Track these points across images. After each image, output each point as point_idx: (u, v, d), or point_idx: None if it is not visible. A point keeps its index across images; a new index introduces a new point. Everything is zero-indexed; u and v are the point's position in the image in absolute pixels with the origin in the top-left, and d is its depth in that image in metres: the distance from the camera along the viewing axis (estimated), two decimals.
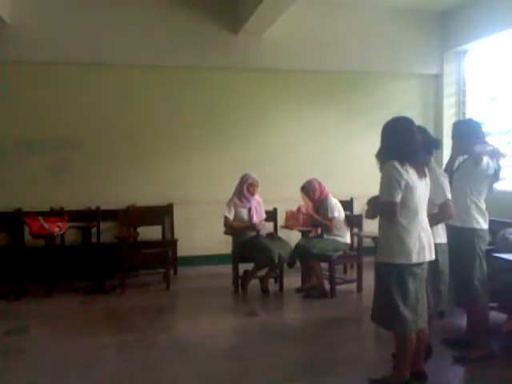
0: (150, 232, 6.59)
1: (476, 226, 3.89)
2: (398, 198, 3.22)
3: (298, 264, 5.99)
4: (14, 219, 6.16)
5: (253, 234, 5.88)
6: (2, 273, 5.89)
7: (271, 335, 4.59)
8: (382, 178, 3.31)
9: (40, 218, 5.96)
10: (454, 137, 4.12)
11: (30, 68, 6.69)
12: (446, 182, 3.64)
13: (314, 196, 5.88)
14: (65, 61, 6.73)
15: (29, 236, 6.07)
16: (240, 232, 5.86)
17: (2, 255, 5.97)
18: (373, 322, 3.53)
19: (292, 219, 5.99)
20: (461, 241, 3.79)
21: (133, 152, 7.04)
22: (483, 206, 3.97)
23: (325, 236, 5.82)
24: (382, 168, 3.38)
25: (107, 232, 6.74)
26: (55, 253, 6.11)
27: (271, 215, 6.26)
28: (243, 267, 5.96)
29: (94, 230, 6.70)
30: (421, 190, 3.31)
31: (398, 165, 3.24)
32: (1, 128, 6.65)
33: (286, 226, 6.07)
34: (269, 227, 6.22)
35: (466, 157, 4.10)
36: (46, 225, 5.93)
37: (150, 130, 7.09)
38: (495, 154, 4.04)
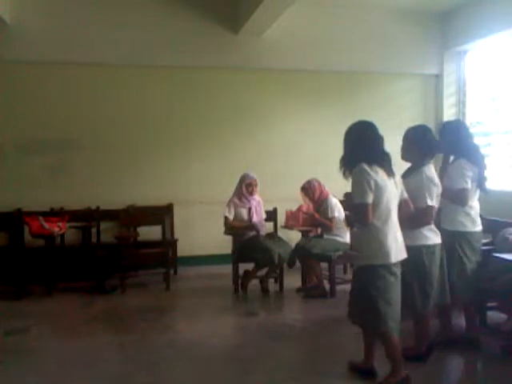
0: (149, 232, 6.59)
1: (462, 229, 3.98)
2: (370, 199, 3.27)
3: (297, 264, 5.99)
4: (14, 219, 6.16)
5: (253, 234, 5.88)
6: (2, 273, 5.89)
7: (271, 335, 4.59)
8: (353, 182, 3.37)
9: (40, 217, 5.95)
10: (443, 136, 4.14)
11: (30, 68, 6.69)
12: (431, 187, 3.66)
13: (313, 196, 5.88)
14: (64, 61, 6.72)
15: (29, 236, 6.06)
16: (240, 232, 5.86)
17: (2, 255, 5.98)
18: (351, 321, 3.59)
19: (292, 219, 5.99)
20: (446, 243, 3.84)
21: (133, 152, 7.04)
22: (472, 209, 4.02)
23: (325, 236, 5.82)
24: (346, 174, 3.46)
25: (107, 232, 6.74)
26: (55, 253, 6.10)
27: (271, 215, 6.25)
28: (243, 267, 5.96)
29: (94, 230, 6.69)
30: (391, 189, 3.37)
31: (366, 167, 3.31)
32: (1, 128, 6.65)
33: (286, 226, 6.07)
34: (268, 227, 6.21)
35: (452, 158, 4.15)
36: (46, 225, 5.92)
37: (150, 130, 7.09)
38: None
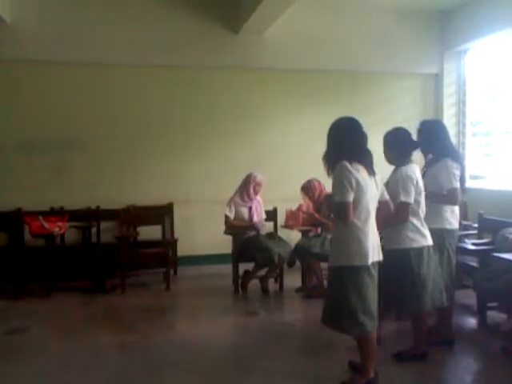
0: (150, 232, 6.59)
1: (449, 226, 4.04)
2: (351, 197, 3.23)
3: (297, 264, 6.00)
4: (14, 219, 6.15)
5: (253, 233, 5.89)
6: (2, 272, 5.90)
7: (271, 335, 4.59)
8: (334, 179, 3.33)
9: (40, 217, 5.95)
10: (421, 135, 4.16)
11: (30, 68, 6.69)
12: (407, 184, 3.64)
13: (313, 196, 5.88)
14: (65, 61, 6.72)
15: (29, 236, 6.07)
16: (240, 231, 5.86)
17: (2, 255, 5.98)
18: (325, 325, 3.50)
19: (292, 219, 5.99)
20: (434, 241, 3.84)
21: (133, 152, 7.04)
22: (455, 207, 4.10)
23: (325, 235, 5.81)
24: (329, 171, 3.43)
25: (107, 232, 6.73)
26: (55, 252, 6.10)
27: (271, 215, 6.25)
28: (243, 267, 5.96)
29: (94, 230, 6.69)
30: (371, 188, 3.33)
31: (348, 164, 3.26)
32: (1, 128, 6.65)
33: (286, 226, 6.07)
34: (268, 227, 6.21)
35: (430, 157, 4.19)
36: (46, 224, 5.93)
37: (150, 130, 7.09)
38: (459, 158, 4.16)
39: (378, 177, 3.43)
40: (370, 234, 3.30)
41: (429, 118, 4.34)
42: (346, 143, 3.37)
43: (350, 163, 3.28)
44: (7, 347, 4.35)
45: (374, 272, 3.36)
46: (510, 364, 3.91)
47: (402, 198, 3.63)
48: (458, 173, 4.04)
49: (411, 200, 3.67)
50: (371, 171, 3.36)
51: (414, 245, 3.71)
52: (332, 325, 3.48)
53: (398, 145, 3.81)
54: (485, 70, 7.69)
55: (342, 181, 3.25)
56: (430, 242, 3.76)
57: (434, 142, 4.12)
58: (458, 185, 4.03)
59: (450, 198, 4.01)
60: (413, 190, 3.68)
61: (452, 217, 4.08)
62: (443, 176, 4.01)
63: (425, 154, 4.30)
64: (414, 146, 3.87)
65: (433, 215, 3.91)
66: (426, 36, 7.88)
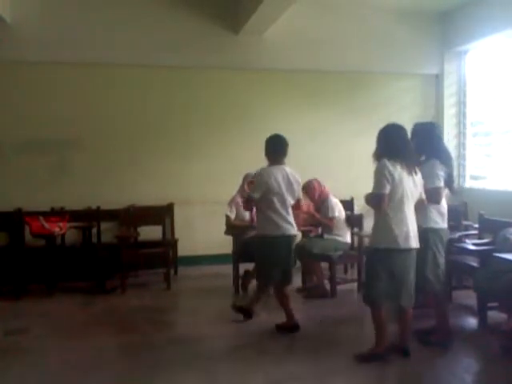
0: (150, 232, 6.58)
1: (434, 225, 4.14)
2: (387, 190, 3.73)
3: (298, 264, 5.99)
4: (15, 219, 6.15)
5: (253, 233, 5.87)
6: (2, 273, 5.88)
7: (271, 335, 4.59)
8: (375, 174, 3.82)
9: (40, 217, 5.96)
10: (415, 137, 4.21)
11: (30, 68, 6.69)
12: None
13: (313, 196, 5.88)
14: (65, 61, 6.72)
15: (29, 236, 6.07)
16: (241, 231, 5.86)
17: (2, 255, 5.97)
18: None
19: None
20: (420, 239, 3.95)
21: (133, 152, 7.04)
22: (442, 207, 4.19)
23: (325, 236, 5.82)
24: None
25: (108, 232, 6.73)
26: (56, 253, 6.10)
27: None
28: (244, 267, 5.96)
29: (94, 230, 6.70)
30: (408, 185, 3.80)
31: (387, 163, 3.76)
32: (1, 128, 6.65)
33: None
34: None
35: (423, 158, 4.26)
36: (46, 225, 5.93)
37: (150, 130, 7.09)
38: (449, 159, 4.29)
39: (418, 176, 3.89)
40: (403, 223, 3.77)
41: (422, 121, 4.45)
42: (387, 146, 3.86)
43: (391, 162, 3.77)
44: (7, 347, 4.35)
45: (403, 256, 3.81)
46: (510, 364, 3.91)
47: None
48: (441, 173, 4.13)
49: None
50: (411, 171, 3.83)
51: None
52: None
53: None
54: (485, 70, 7.69)
55: (380, 175, 3.76)
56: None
57: (425, 143, 4.21)
58: (440, 184, 4.12)
59: (431, 196, 4.09)
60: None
61: (438, 216, 4.17)
62: (427, 175, 4.09)
63: (418, 155, 4.32)
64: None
65: (418, 214, 4.00)
66: (427, 36, 7.88)
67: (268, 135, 8.07)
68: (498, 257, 4.20)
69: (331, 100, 7.64)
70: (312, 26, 7.37)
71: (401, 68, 7.88)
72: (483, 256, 4.79)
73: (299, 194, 4.75)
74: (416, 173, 3.88)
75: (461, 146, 7.99)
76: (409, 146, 3.89)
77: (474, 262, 5.09)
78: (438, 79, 8.04)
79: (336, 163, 7.54)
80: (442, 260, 4.19)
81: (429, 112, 7.99)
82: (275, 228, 4.51)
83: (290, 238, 4.62)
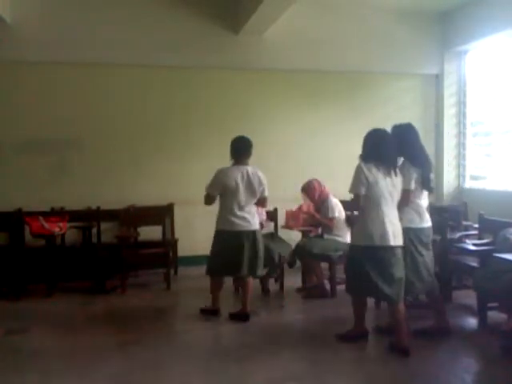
0: (150, 232, 6.58)
1: (410, 225, 4.22)
2: (362, 191, 4.02)
3: (298, 264, 5.99)
4: (15, 219, 6.15)
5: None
6: (2, 273, 5.89)
7: (271, 335, 4.59)
8: (353, 176, 4.09)
9: (40, 217, 5.95)
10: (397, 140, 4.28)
11: (30, 68, 6.69)
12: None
13: (313, 196, 5.88)
14: (65, 61, 6.72)
15: (29, 236, 6.07)
16: None
17: (2, 255, 5.97)
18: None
19: (292, 219, 5.98)
20: None
21: (133, 152, 7.04)
22: (420, 207, 4.29)
23: (325, 236, 5.82)
24: None
25: (108, 232, 6.73)
26: (56, 253, 6.10)
27: (271, 215, 6.24)
28: None
29: (94, 230, 6.68)
30: (385, 186, 4.03)
31: (363, 166, 4.05)
32: (1, 128, 6.65)
33: (287, 226, 6.07)
34: (269, 227, 6.20)
35: (402, 160, 4.33)
36: (46, 225, 5.93)
37: (150, 130, 7.09)
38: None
39: (398, 178, 4.12)
40: (380, 221, 3.99)
41: (400, 123, 4.45)
42: (365, 149, 4.14)
43: (366, 165, 4.04)
44: (7, 347, 4.34)
45: (382, 252, 4.00)
46: (510, 364, 3.91)
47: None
48: (413, 176, 4.20)
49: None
50: (387, 173, 4.06)
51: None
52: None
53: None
54: (485, 70, 7.69)
55: (355, 178, 4.07)
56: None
57: (403, 146, 4.25)
58: (408, 187, 4.19)
59: (401, 199, 4.19)
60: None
61: (415, 216, 4.25)
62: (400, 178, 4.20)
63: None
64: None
65: (399, 214, 4.16)
66: (427, 36, 7.88)
67: (268, 135, 8.11)
68: (498, 257, 4.20)
69: (331, 100, 7.64)
70: (312, 25, 7.37)
71: (401, 68, 7.87)
72: (483, 256, 4.79)
73: (262, 192, 5.02)
74: (396, 174, 4.10)
75: (461, 145, 7.99)
76: (388, 149, 4.08)
77: (473, 262, 5.09)
78: (438, 79, 8.04)
79: (336, 163, 7.52)
80: (421, 259, 4.25)
81: (429, 112, 8.00)
82: (225, 223, 4.90)
83: (240, 233, 4.88)
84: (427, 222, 4.32)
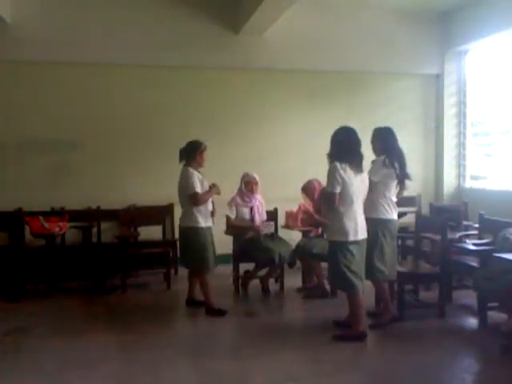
0: (150, 232, 6.59)
1: (382, 216, 4.58)
2: (338, 190, 4.21)
3: (298, 264, 5.99)
4: (15, 219, 6.15)
5: (253, 233, 5.88)
6: (2, 273, 5.89)
7: (271, 335, 4.59)
8: (327, 175, 4.28)
9: (40, 217, 5.95)
10: (376, 140, 4.76)
11: (30, 68, 6.69)
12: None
13: (314, 196, 5.88)
14: (65, 61, 6.73)
15: (29, 236, 6.07)
16: (241, 231, 5.85)
17: (2, 255, 5.97)
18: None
19: (292, 219, 5.99)
20: (370, 229, 4.45)
21: (133, 152, 7.04)
22: (390, 200, 4.64)
23: (325, 236, 5.81)
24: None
25: (108, 232, 6.74)
26: (56, 253, 6.10)
27: (271, 215, 6.24)
28: (244, 267, 5.96)
29: (94, 230, 6.69)
30: (356, 184, 4.27)
31: (338, 166, 4.23)
32: (1, 128, 6.66)
33: (287, 226, 6.07)
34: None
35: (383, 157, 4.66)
36: (46, 224, 5.93)
37: (151, 130, 7.09)
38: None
39: (364, 174, 4.39)
40: (353, 218, 4.25)
41: (380, 126, 4.82)
42: (338, 148, 4.34)
43: (341, 164, 4.23)
44: (7, 347, 4.34)
45: (356, 246, 4.29)
46: (510, 364, 3.91)
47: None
48: (385, 171, 4.58)
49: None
50: (358, 171, 4.30)
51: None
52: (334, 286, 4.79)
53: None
54: (485, 70, 7.69)
55: (331, 177, 4.25)
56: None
57: (383, 146, 4.67)
58: (373, 178, 4.55)
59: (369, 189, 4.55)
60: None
61: (387, 208, 4.61)
62: (371, 171, 4.62)
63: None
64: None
65: (370, 206, 4.52)
66: (427, 36, 7.88)
67: (268, 135, 8.13)
68: (498, 257, 4.20)
69: (331, 100, 7.64)
70: (312, 26, 7.37)
71: (401, 68, 7.88)
72: (483, 256, 4.80)
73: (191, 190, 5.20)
74: (362, 170, 4.36)
75: (461, 145, 7.99)
76: (356, 146, 4.33)
77: (473, 262, 5.10)
78: (438, 79, 8.04)
79: None
80: (388, 249, 4.61)
81: (429, 112, 8.00)
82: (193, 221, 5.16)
83: (201, 229, 5.16)
84: (395, 215, 4.69)
